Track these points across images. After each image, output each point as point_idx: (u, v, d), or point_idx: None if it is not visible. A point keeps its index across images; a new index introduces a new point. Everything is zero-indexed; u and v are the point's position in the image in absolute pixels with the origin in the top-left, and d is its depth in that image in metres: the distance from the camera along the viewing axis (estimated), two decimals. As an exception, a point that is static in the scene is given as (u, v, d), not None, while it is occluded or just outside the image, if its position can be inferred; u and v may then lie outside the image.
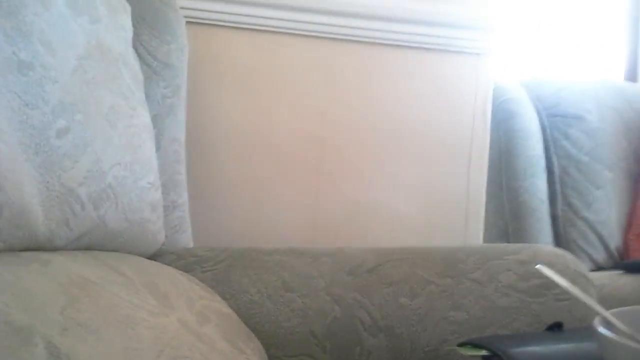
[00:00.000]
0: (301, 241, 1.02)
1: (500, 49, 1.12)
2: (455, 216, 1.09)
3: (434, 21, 1.06)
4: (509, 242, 1.35)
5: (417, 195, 1.07)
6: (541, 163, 1.35)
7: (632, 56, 3.23)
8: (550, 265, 0.69)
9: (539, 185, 1.32)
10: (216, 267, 0.71)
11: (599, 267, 1.30)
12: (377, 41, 1.07)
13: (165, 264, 0.68)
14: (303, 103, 1.05)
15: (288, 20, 1.04)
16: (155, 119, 0.77)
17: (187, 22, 0.88)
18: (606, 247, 1.31)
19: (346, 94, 1.07)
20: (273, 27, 1.04)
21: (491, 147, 1.12)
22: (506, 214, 1.35)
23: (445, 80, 1.09)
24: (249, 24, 1.03)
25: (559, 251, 0.75)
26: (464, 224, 1.09)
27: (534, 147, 1.34)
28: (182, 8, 0.88)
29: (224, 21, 1.02)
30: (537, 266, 0.52)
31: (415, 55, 1.08)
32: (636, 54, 3.23)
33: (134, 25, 0.74)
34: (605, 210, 1.33)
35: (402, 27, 1.06)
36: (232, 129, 1.03)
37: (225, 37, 1.02)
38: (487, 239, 1.16)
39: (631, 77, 3.20)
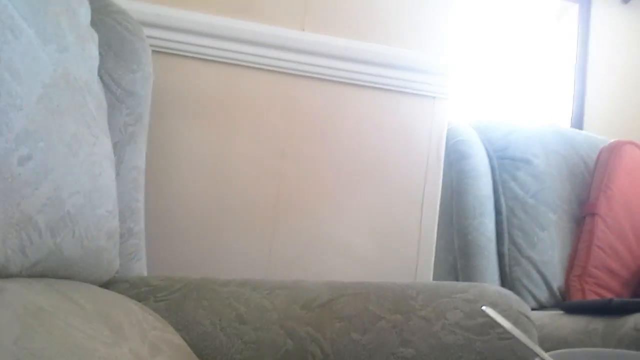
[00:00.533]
0: (256, 273, 1.02)
1: (454, 93, 1.17)
2: (408, 252, 1.12)
3: (394, 64, 1.11)
4: (457, 277, 1.39)
5: (372, 231, 1.10)
6: (490, 203, 1.40)
7: (578, 104, 3.41)
8: (494, 304, 0.72)
9: (487, 224, 1.38)
10: (170, 297, 0.71)
11: (541, 306, 1.35)
12: (339, 80, 1.10)
13: (119, 292, 0.68)
14: (263, 137, 1.07)
15: (252, 55, 1.07)
16: (116, 146, 0.77)
17: (152, 51, 0.89)
18: (549, 286, 1.36)
19: (306, 129, 1.10)
20: (237, 60, 1.06)
21: (443, 186, 1.17)
22: (455, 251, 1.39)
23: (402, 120, 1.13)
24: (213, 56, 1.05)
25: (504, 291, 0.78)
26: (415, 259, 1.12)
27: (483, 188, 1.40)
28: (148, 37, 0.89)
29: (189, 52, 1.03)
30: (482, 307, 0.54)
31: (375, 96, 1.12)
32: (582, 102, 3.41)
33: (100, 53, 0.74)
34: (549, 251, 1.39)
35: (363, 68, 1.10)
36: (192, 159, 1.03)
37: (190, 67, 1.04)
38: (437, 274, 1.20)
39: (577, 124, 3.37)
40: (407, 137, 1.13)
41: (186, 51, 1.03)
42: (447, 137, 1.18)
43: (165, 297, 0.70)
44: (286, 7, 1.10)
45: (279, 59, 1.08)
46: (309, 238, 1.07)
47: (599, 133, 2.12)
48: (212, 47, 1.04)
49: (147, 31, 0.91)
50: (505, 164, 1.46)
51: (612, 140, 1.61)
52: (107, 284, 0.69)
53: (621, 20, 3.58)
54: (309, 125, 1.10)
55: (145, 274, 0.81)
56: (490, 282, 1.33)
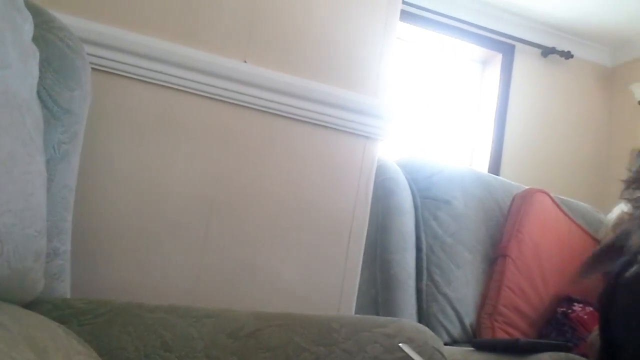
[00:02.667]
0: (183, 299, 1.02)
1: (386, 133, 1.23)
2: (333, 283, 1.15)
3: (331, 103, 1.15)
4: (378, 310, 1.43)
5: (300, 262, 1.13)
6: (412, 240, 1.47)
7: (496, 149, 3.63)
8: (412, 340, 0.76)
9: (408, 260, 1.44)
10: (94, 321, 0.70)
11: (454, 341, 1.42)
12: (277, 113, 1.13)
13: (41, 313, 0.66)
14: (198, 163, 1.08)
15: (193, 81, 1.08)
16: (48, 164, 0.76)
17: (92, 69, 0.88)
18: (462, 322, 1.44)
19: (241, 158, 1.12)
20: (177, 85, 1.07)
21: (369, 221, 1.22)
22: (378, 284, 1.44)
23: (335, 156, 1.18)
24: (154, 78, 1.05)
25: (421, 327, 0.83)
26: (340, 291, 1.15)
27: (407, 224, 1.47)
28: (88, 54, 0.89)
29: (129, 73, 1.03)
30: (400, 344, 0.58)
31: (311, 131, 1.16)
32: (500, 148, 3.63)
33: (39, 69, 0.74)
34: (463, 289, 1.47)
35: (302, 104, 1.14)
36: (124, 180, 1.02)
37: (129, 88, 1.04)
38: (359, 306, 1.23)
39: (494, 169, 3.58)
40: (338, 172, 1.18)
41: (126, 72, 1.03)
42: (375, 174, 1.24)
43: (90, 321, 0.69)
44: (230, 38, 1.13)
45: (219, 88, 1.10)
46: (237, 266, 1.08)
47: (514, 179, 2.27)
48: (153, 70, 1.04)
49: (88, 49, 0.91)
50: (427, 203, 1.53)
51: (525, 188, 1.73)
52: (29, 305, 0.68)
53: (540, 72, 3.87)
54: (245, 154, 1.12)
55: (68, 295, 0.79)
56: (409, 316, 1.38)
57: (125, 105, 1.04)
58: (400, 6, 1.28)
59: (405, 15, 3.23)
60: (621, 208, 1.59)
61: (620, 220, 1.56)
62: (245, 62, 1.13)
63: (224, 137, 1.11)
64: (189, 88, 1.08)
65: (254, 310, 0.80)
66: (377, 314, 1.41)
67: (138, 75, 1.04)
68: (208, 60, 1.09)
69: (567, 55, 3.82)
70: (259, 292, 1.09)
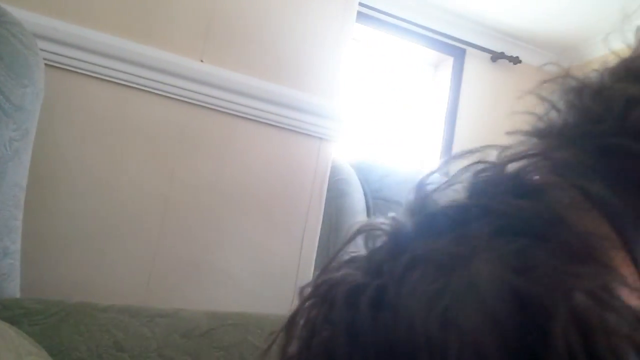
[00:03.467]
0: (135, 299, 1.01)
1: (341, 135, 1.26)
2: (287, 283, 1.17)
3: (287, 104, 1.17)
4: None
5: (254, 262, 1.14)
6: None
7: (446, 151, 3.73)
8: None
9: (360, 259, 1.47)
10: (46, 322, 0.69)
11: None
12: (233, 113, 1.14)
13: (-10, 315, 0.66)
14: (152, 161, 1.08)
15: (148, 79, 1.07)
16: (-1, 162, 0.75)
17: (45, 65, 0.87)
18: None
19: (196, 157, 1.12)
20: (133, 82, 1.06)
21: (322, 221, 1.24)
22: (329, 282, 1.47)
23: (290, 157, 1.20)
24: (108, 75, 1.04)
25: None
26: (293, 290, 1.17)
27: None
28: (41, 50, 0.88)
29: (83, 69, 1.02)
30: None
31: (267, 132, 1.17)
32: (450, 150, 3.73)
33: (-9, 65, 0.72)
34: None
35: (257, 104, 1.15)
36: (76, 179, 1.01)
37: (83, 85, 1.02)
38: (310, 305, 1.25)
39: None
40: (293, 173, 1.20)
41: (81, 68, 1.01)
42: (329, 175, 1.26)
43: (41, 321, 0.69)
44: (186, 37, 1.13)
45: (175, 86, 1.10)
46: (190, 265, 1.08)
47: (462, 180, 2.34)
48: (107, 67, 1.03)
49: (41, 44, 0.90)
50: (379, 203, 1.57)
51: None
52: (-23, 306, 0.67)
53: (489, 76, 4.00)
54: (199, 153, 1.13)
55: (18, 295, 0.78)
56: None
57: (78, 103, 1.02)
58: (356, 9, 1.31)
59: (360, 17, 3.28)
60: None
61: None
62: (201, 61, 1.13)
63: (178, 136, 1.11)
64: (144, 86, 1.07)
65: (207, 310, 0.81)
66: (329, 312, 1.44)
67: (92, 72, 1.02)
68: (164, 58, 1.09)
69: (516, 60, 3.96)
70: (213, 291, 1.10)
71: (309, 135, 1.21)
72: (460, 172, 0.37)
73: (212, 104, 1.13)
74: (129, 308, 0.76)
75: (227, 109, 1.14)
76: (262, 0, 1.20)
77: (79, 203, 1.01)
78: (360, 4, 3.13)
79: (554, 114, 0.44)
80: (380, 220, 0.36)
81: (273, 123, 1.18)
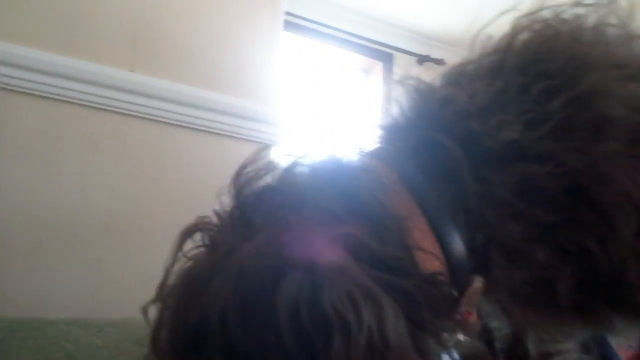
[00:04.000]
0: (80, 311, 0.99)
1: (279, 140, 1.28)
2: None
3: (226, 111, 1.18)
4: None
5: (200, 267, 1.14)
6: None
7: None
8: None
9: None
10: (-10, 340, 0.68)
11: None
12: (169, 121, 1.14)
13: None
14: (92, 175, 1.06)
15: (80, 92, 1.06)
16: None
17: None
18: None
19: (134, 168, 1.11)
20: (64, 96, 1.05)
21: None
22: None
23: (230, 163, 1.19)
24: (39, 91, 1.02)
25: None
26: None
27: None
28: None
29: (13, 86, 1.00)
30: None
31: (207, 139, 1.18)
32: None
33: None
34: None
35: (195, 112, 1.16)
36: (13, 195, 0.98)
37: (13, 102, 1.00)
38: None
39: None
40: (234, 178, 1.21)
41: (10, 84, 0.99)
42: (270, 179, 1.28)
43: (-15, 339, 0.67)
44: (116, 47, 1.12)
45: (107, 98, 1.09)
46: (135, 276, 1.07)
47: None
48: (37, 82, 1.01)
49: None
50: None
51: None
52: None
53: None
54: (137, 163, 1.12)
55: (-43, 316, 0.75)
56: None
57: (10, 120, 0.99)
58: (281, 17, 1.34)
59: (290, 26, 3.31)
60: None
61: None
62: (132, 71, 1.13)
63: (114, 147, 1.10)
64: (75, 99, 1.06)
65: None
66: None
67: (22, 88, 1.00)
68: (93, 70, 1.07)
69: (441, 62, 4.12)
70: (160, 300, 1.08)
71: (247, 140, 1.23)
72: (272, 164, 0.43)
73: (146, 114, 1.13)
74: (77, 320, 0.75)
75: (162, 117, 1.14)
76: (189, 9, 1.21)
77: (17, 220, 0.98)
78: (289, 14, 3.16)
79: (400, 110, 0.51)
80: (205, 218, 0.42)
81: (214, 130, 1.19)
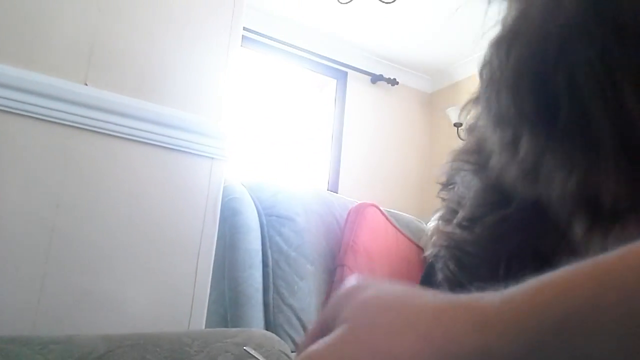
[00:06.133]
0: (22, 329, 0.97)
1: (231, 154, 1.29)
2: (182, 304, 1.17)
3: (174, 125, 1.18)
4: (227, 327, 1.47)
5: (147, 285, 1.13)
6: (259, 256, 1.54)
7: (334, 170, 3.87)
8: (260, 346, 0.82)
9: (255, 276, 1.50)
10: None
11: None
12: (119, 135, 1.13)
13: None
14: (35, 188, 1.04)
15: (28, 104, 1.04)
16: None
17: None
18: (305, 330, 1.53)
19: (83, 182, 1.09)
20: (11, 108, 1.02)
21: (217, 240, 1.26)
22: (226, 302, 1.48)
23: (182, 178, 1.21)
24: (-16, 101, 1.00)
25: (268, 334, 0.90)
26: (189, 311, 1.17)
27: (253, 242, 1.53)
28: None
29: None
30: (245, 347, 0.64)
31: (156, 153, 1.17)
32: (338, 167, 3.88)
33: None
34: (307, 299, 1.57)
35: (144, 126, 1.15)
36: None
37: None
38: (208, 325, 1.26)
39: (333, 186, 3.81)
40: (185, 194, 1.21)
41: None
42: (222, 195, 1.28)
43: None
44: (69, 60, 1.11)
45: (57, 110, 1.07)
46: (80, 292, 1.05)
47: (351, 195, 2.46)
48: (-17, 92, 0.99)
49: None
50: (272, 220, 1.62)
51: (359, 202, 1.90)
52: None
53: (370, 97, 4.22)
54: (86, 178, 1.10)
55: None
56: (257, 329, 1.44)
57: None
58: (241, 34, 1.36)
59: (247, 41, 3.33)
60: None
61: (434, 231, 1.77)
62: (86, 84, 1.12)
63: (62, 160, 1.08)
64: (25, 111, 1.04)
65: (102, 334, 0.80)
66: (227, 330, 1.45)
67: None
68: (45, 82, 1.06)
69: (393, 82, 4.22)
70: (105, 318, 1.07)
71: (199, 155, 1.23)
72: None
73: (97, 127, 1.11)
74: (18, 338, 0.73)
75: (113, 131, 1.13)
76: (146, 24, 1.21)
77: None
78: (247, 29, 3.19)
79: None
80: None
81: (163, 144, 1.18)
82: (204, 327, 1.20)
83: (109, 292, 1.09)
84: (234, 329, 0.88)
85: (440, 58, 4.15)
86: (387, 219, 1.87)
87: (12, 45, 1.05)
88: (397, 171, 4.17)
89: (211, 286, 1.24)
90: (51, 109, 1.07)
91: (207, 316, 1.22)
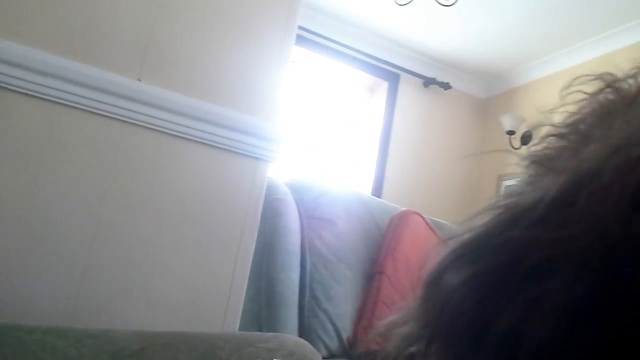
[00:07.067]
0: (61, 319, 0.99)
1: (281, 156, 1.28)
2: (218, 301, 1.17)
3: (225, 125, 1.19)
4: (261, 326, 1.47)
5: (186, 280, 1.14)
6: (297, 258, 1.54)
7: (379, 174, 3.83)
8: (292, 353, 0.82)
9: (293, 278, 1.50)
10: (-34, 344, 0.68)
11: (331, 355, 1.50)
12: (170, 132, 1.15)
13: None
14: (84, 181, 1.06)
15: (82, 97, 1.06)
16: None
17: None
18: (339, 337, 1.52)
19: (130, 177, 1.11)
20: (65, 100, 1.05)
21: (257, 240, 1.26)
22: (262, 301, 1.49)
23: (227, 177, 1.21)
24: (40, 92, 1.02)
25: (301, 341, 0.89)
26: (225, 309, 1.18)
27: (292, 244, 1.53)
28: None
29: (14, 85, 1.00)
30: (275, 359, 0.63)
31: (204, 151, 1.18)
32: (383, 173, 3.84)
33: None
34: (343, 305, 1.56)
35: (195, 124, 1.16)
36: (8, 196, 0.98)
37: (13, 102, 1.00)
38: (241, 323, 1.26)
39: (377, 191, 3.78)
40: (229, 192, 1.21)
41: (11, 84, 0.99)
42: (265, 194, 1.28)
43: (-39, 344, 0.67)
44: (124, 55, 1.13)
45: (110, 105, 1.09)
46: (119, 286, 1.07)
47: (393, 201, 2.42)
48: (40, 84, 1.02)
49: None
50: (313, 223, 1.61)
51: (402, 209, 1.87)
52: None
53: (421, 101, 4.15)
54: (134, 172, 1.12)
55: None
56: (291, 332, 1.44)
57: (6, 120, 1.00)
58: (295, 33, 1.35)
59: (300, 40, 3.34)
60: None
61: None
62: (139, 80, 1.13)
63: (112, 154, 1.10)
64: (78, 104, 1.06)
65: (137, 330, 0.81)
66: (260, 331, 1.45)
67: (23, 88, 1.00)
68: (100, 76, 1.08)
69: (446, 86, 4.14)
70: (142, 312, 1.09)
71: (246, 155, 1.23)
72: None
73: (147, 123, 1.13)
74: (55, 329, 0.75)
75: (163, 128, 1.14)
76: (203, 23, 1.22)
77: (6, 221, 0.98)
78: (301, 28, 3.19)
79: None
80: None
81: (210, 143, 1.19)
82: (237, 328, 1.20)
83: (147, 288, 1.10)
84: (267, 334, 0.88)
85: (496, 63, 4.04)
86: (429, 227, 1.83)
87: (71, 38, 1.07)
88: (443, 178, 4.10)
89: (248, 285, 1.24)
90: (103, 102, 1.09)
91: (241, 314, 1.22)
